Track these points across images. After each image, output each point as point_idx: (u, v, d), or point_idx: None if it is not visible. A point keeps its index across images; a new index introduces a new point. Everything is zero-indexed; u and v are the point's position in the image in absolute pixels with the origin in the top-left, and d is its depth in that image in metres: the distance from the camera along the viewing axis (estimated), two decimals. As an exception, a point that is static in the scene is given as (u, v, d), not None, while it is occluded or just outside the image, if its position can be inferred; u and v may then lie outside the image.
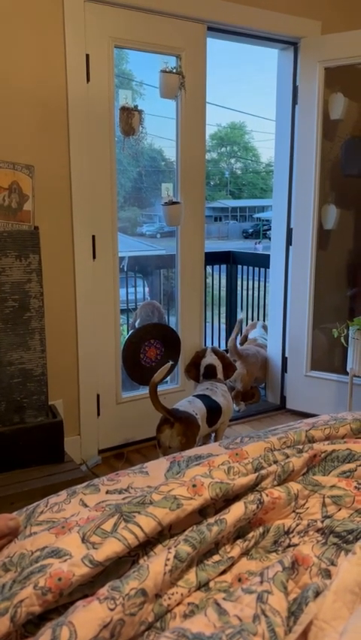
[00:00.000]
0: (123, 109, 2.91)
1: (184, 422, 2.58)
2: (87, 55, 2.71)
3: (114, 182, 2.91)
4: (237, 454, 1.41)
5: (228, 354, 3.37)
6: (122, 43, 2.84)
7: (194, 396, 2.86)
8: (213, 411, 2.80)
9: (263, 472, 1.33)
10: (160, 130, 3.35)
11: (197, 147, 3.15)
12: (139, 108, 2.95)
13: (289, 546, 1.23)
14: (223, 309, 5.04)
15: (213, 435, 3.02)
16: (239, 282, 4.90)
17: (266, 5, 3.17)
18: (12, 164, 2.37)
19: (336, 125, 3.47)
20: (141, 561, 1.08)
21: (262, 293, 4.83)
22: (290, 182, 3.55)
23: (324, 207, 3.50)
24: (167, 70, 2.95)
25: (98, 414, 3.06)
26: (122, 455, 3.11)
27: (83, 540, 1.09)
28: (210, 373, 3.07)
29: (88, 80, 2.73)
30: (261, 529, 1.25)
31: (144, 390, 3.24)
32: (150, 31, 2.88)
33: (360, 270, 3.68)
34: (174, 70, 2.98)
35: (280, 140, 3.59)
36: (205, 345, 3.47)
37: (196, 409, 2.70)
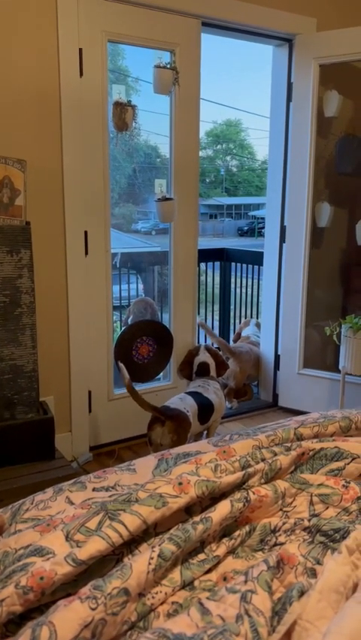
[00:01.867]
0: (117, 104, 2.89)
1: (175, 419, 2.57)
2: (80, 50, 2.69)
3: (107, 177, 2.89)
4: (224, 452, 1.40)
5: (220, 352, 3.36)
6: (116, 38, 2.81)
7: (186, 393, 2.85)
8: (205, 408, 2.79)
9: (250, 470, 1.33)
10: (155, 126, 3.33)
11: (191, 143, 3.13)
12: (133, 103, 2.93)
13: (275, 545, 1.22)
14: (217, 307, 5.03)
15: (205, 432, 3.01)
16: (233, 280, 4.89)
17: (261, 1, 3.15)
18: (3, 158, 2.35)
19: (330, 122, 3.46)
20: (125, 560, 1.07)
21: (255, 290, 4.83)
22: (284, 180, 3.53)
23: (318, 205, 3.49)
24: (161, 65, 2.93)
25: (90, 411, 3.05)
26: (113, 452, 3.10)
27: (67, 538, 1.08)
28: (203, 371, 3.06)
29: (81, 74, 2.71)
30: (247, 528, 1.25)
31: (137, 387, 3.22)
32: (144, 26, 2.86)
33: (353, 267, 3.68)
34: (168, 66, 2.96)
35: (274, 137, 3.58)
36: (198, 342, 3.46)
37: (187, 406, 2.69)
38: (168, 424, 2.56)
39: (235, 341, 4.21)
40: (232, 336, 4.43)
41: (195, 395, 2.81)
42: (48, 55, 2.61)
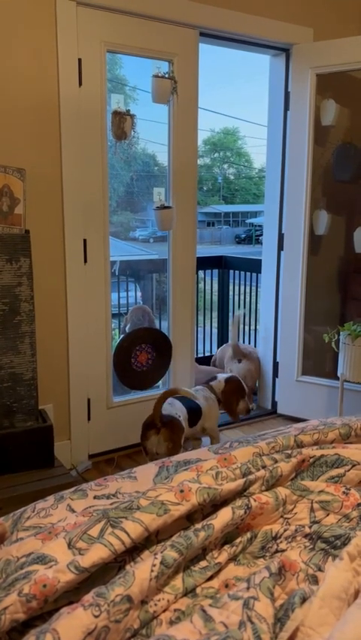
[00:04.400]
0: (115, 113, 2.91)
1: (169, 426, 2.57)
2: (79, 60, 2.71)
3: (106, 185, 2.91)
4: (225, 459, 1.40)
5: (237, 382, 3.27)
6: (115, 48, 2.84)
7: (174, 398, 2.84)
8: (194, 412, 2.78)
9: (251, 477, 1.33)
10: (153, 135, 3.36)
11: (189, 152, 3.15)
12: (131, 113, 2.95)
13: (276, 551, 1.22)
14: (215, 314, 5.04)
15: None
16: (231, 287, 4.90)
17: (258, 11, 3.18)
18: (3, 167, 2.37)
19: (327, 131, 3.48)
20: (128, 567, 1.08)
21: (253, 298, 4.84)
22: (282, 188, 3.56)
23: (315, 213, 3.51)
24: (159, 75, 2.96)
25: (89, 418, 3.04)
26: (112, 460, 3.10)
27: (69, 546, 1.09)
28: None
29: (80, 84, 2.73)
30: (249, 535, 1.25)
31: (135, 395, 3.23)
32: (143, 36, 2.88)
33: (351, 275, 3.69)
34: (167, 76, 2.98)
35: (272, 145, 3.60)
36: (196, 349, 3.46)
37: (178, 410, 2.68)
38: (163, 431, 2.55)
39: (212, 364, 4.23)
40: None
41: (183, 399, 2.79)
42: (47, 65, 2.63)
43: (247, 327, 4.94)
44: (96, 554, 1.03)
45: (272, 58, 3.53)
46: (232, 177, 36.61)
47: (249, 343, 4.74)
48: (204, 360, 4.37)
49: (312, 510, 1.34)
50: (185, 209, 3.19)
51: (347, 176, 3.54)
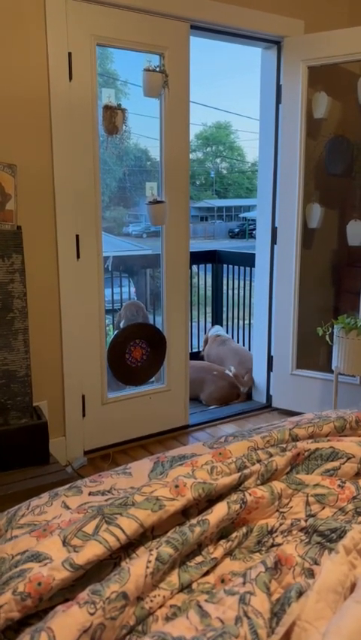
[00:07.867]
0: (106, 107, 2.89)
1: None
2: (69, 54, 2.69)
3: (98, 181, 2.89)
4: (220, 454, 1.40)
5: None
6: (105, 42, 2.82)
7: None
8: None
9: (246, 471, 1.33)
10: (145, 129, 3.34)
11: (181, 146, 3.13)
12: (122, 107, 2.93)
13: (272, 546, 1.22)
14: (209, 309, 5.03)
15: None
16: (225, 281, 4.90)
17: (250, 4, 3.17)
18: (-7, 163, 2.35)
19: (320, 123, 3.47)
20: (123, 564, 1.07)
21: (247, 292, 4.84)
22: (275, 181, 3.54)
23: (308, 206, 3.50)
24: (150, 68, 2.94)
25: (84, 415, 3.04)
26: (108, 456, 3.09)
27: (64, 543, 1.08)
28: None
29: (70, 78, 2.71)
30: (244, 530, 1.25)
31: (130, 391, 3.22)
32: (133, 30, 2.86)
33: (345, 268, 3.69)
34: (158, 69, 2.96)
35: (264, 139, 3.59)
36: (191, 346, 3.47)
37: None
38: None
39: (205, 343, 4.30)
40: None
41: None
42: (37, 59, 2.60)
43: (241, 322, 4.94)
44: (91, 551, 1.02)
45: (264, 51, 3.51)
46: (224, 171, 36.55)
47: (243, 337, 4.75)
48: (199, 356, 4.39)
49: (308, 504, 1.34)
50: (178, 204, 3.18)
51: (340, 169, 3.53)
